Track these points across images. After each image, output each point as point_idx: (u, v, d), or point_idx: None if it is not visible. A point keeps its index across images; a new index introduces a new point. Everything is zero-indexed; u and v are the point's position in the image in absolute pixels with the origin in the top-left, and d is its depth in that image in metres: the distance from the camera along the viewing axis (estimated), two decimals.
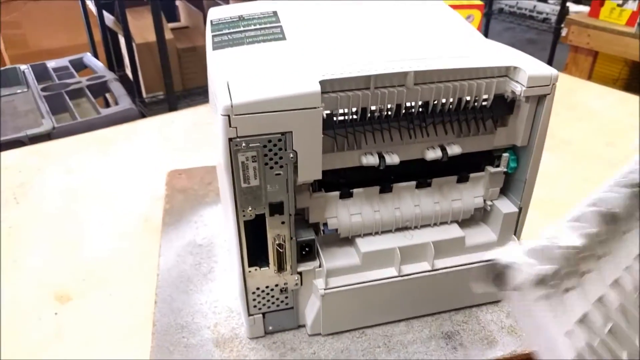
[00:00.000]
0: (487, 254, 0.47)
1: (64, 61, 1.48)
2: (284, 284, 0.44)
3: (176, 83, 1.78)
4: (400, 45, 0.43)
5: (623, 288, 0.26)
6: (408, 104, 0.40)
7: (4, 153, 0.83)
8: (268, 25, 0.45)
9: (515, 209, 0.46)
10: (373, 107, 0.39)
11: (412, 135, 0.42)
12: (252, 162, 0.37)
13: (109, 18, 1.78)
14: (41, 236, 0.63)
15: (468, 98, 0.41)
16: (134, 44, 1.70)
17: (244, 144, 0.36)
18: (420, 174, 0.45)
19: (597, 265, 0.27)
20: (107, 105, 1.46)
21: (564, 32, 1.77)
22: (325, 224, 0.44)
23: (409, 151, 0.43)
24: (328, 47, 0.43)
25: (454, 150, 0.43)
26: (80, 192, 0.72)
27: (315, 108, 0.36)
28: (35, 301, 0.53)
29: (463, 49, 0.43)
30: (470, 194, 0.46)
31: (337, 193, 0.43)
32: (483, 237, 0.48)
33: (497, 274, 0.25)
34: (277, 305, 0.46)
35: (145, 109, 1.67)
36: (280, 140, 0.36)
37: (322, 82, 0.36)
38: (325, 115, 0.38)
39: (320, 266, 0.44)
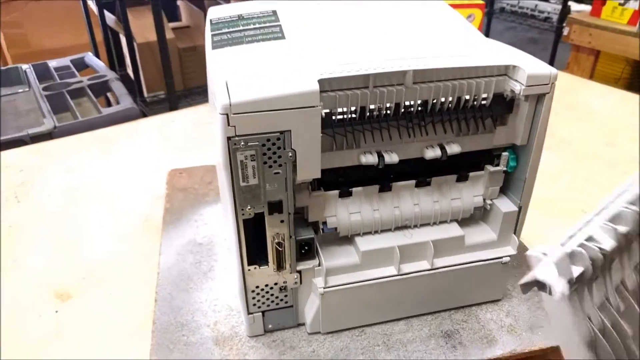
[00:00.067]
0: (485, 252, 0.47)
1: (65, 61, 1.48)
2: (284, 282, 0.44)
3: (177, 82, 1.79)
4: (399, 44, 0.43)
5: None
6: (407, 103, 0.40)
7: (5, 152, 0.83)
8: (267, 25, 0.45)
9: (515, 208, 0.46)
10: (372, 106, 0.39)
11: (411, 134, 0.42)
12: (251, 161, 0.37)
13: (110, 18, 1.78)
14: (42, 235, 0.63)
15: (467, 97, 0.41)
16: (135, 44, 1.70)
17: (242, 143, 0.36)
18: (420, 172, 0.45)
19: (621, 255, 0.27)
20: (109, 104, 1.46)
21: (565, 32, 1.77)
22: (324, 223, 0.44)
23: (408, 150, 0.43)
24: (327, 46, 0.43)
25: (454, 149, 0.43)
26: (81, 191, 0.72)
27: (314, 107, 0.36)
28: (36, 299, 0.54)
29: (462, 48, 0.43)
30: (469, 193, 0.46)
31: (336, 192, 0.43)
32: (483, 236, 0.48)
33: (532, 286, 0.26)
34: (277, 304, 0.46)
35: (146, 108, 1.67)
36: (279, 139, 0.37)
37: (320, 81, 0.36)
38: (324, 114, 0.38)
39: (319, 265, 0.44)
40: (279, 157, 0.37)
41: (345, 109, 0.39)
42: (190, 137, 0.88)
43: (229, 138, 0.36)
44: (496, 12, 2.67)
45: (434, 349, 0.46)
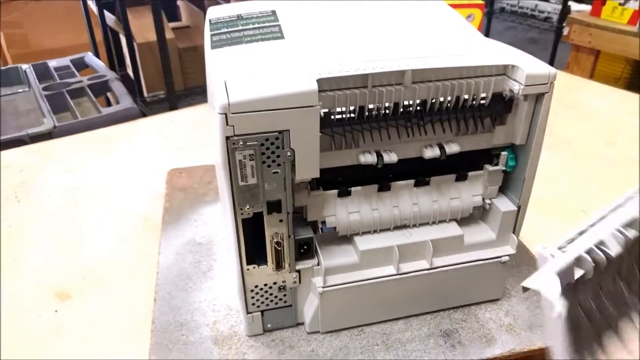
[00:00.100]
0: (484, 252, 0.47)
1: (65, 60, 1.48)
2: (283, 281, 0.44)
3: (177, 82, 1.79)
4: (398, 44, 0.43)
5: None
6: (406, 103, 0.40)
7: (5, 152, 0.83)
8: (266, 25, 0.45)
9: (514, 208, 0.46)
10: (371, 106, 0.39)
11: (410, 133, 0.42)
12: (250, 160, 0.37)
13: (110, 17, 1.78)
14: (42, 235, 0.63)
15: (466, 96, 0.41)
16: (135, 44, 1.70)
17: (241, 143, 0.36)
18: (419, 172, 0.45)
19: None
20: (109, 104, 1.46)
21: (565, 31, 1.77)
22: (323, 222, 0.44)
23: (407, 150, 0.43)
24: (326, 46, 0.43)
25: (453, 148, 0.43)
26: (80, 191, 0.72)
27: (312, 106, 0.36)
28: (36, 299, 0.54)
29: (461, 48, 0.43)
30: (468, 193, 0.46)
31: (335, 191, 0.43)
32: (482, 235, 0.48)
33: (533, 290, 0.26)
34: (276, 303, 0.46)
35: (146, 108, 1.67)
36: (277, 138, 0.37)
37: (319, 81, 0.36)
38: (322, 114, 0.38)
39: (318, 264, 0.44)
40: (278, 156, 0.37)
41: (344, 109, 0.39)
42: (190, 137, 0.88)
43: (227, 138, 0.36)
44: (496, 12, 2.67)
45: (433, 348, 0.46)
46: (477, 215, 0.49)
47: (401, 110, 0.40)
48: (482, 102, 0.42)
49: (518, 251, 0.48)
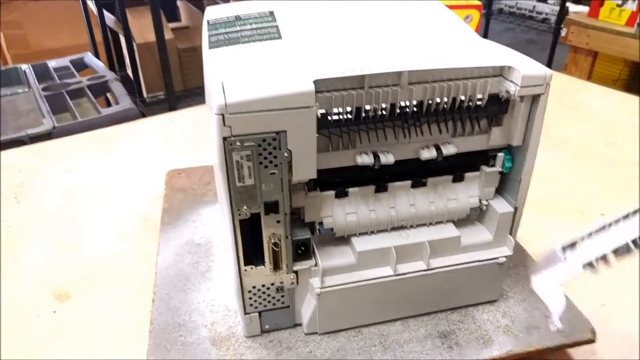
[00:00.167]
0: (481, 253, 0.48)
1: (64, 61, 1.49)
2: (280, 282, 0.44)
3: (176, 83, 1.79)
4: (395, 45, 0.44)
5: None
6: (402, 104, 0.40)
7: (4, 152, 0.83)
8: (264, 25, 0.45)
9: (511, 209, 0.46)
10: (367, 107, 0.39)
11: (406, 134, 0.42)
12: (247, 161, 0.37)
13: (109, 18, 1.78)
14: (41, 235, 0.64)
15: (462, 98, 0.41)
16: (134, 44, 1.70)
17: (238, 143, 0.36)
18: (416, 173, 0.45)
19: None
20: (108, 104, 1.46)
21: (563, 33, 1.77)
22: (320, 223, 0.44)
23: (404, 151, 0.43)
24: (324, 46, 0.43)
25: (449, 149, 0.43)
26: (80, 191, 0.72)
27: (309, 107, 0.36)
28: (35, 299, 0.54)
29: (457, 49, 0.44)
30: (465, 194, 0.47)
31: (332, 192, 0.43)
32: (479, 236, 0.48)
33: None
34: (273, 304, 0.46)
35: (145, 108, 1.67)
36: (274, 139, 0.37)
37: (316, 82, 0.36)
38: (319, 115, 0.38)
39: (316, 265, 0.44)
40: (275, 157, 0.38)
41: (340, 110, 0.39)
42: (189, 138, 0.88)
43: (224, 138, 0.36)
44: (494, 13, 2.67)
45: (431, 350, 0.46)
46: (474, 216, 0.49)
47: (398, 111, 0.40)
48: (479, 103, 0.42)
49: (515, 252, 0.48)
